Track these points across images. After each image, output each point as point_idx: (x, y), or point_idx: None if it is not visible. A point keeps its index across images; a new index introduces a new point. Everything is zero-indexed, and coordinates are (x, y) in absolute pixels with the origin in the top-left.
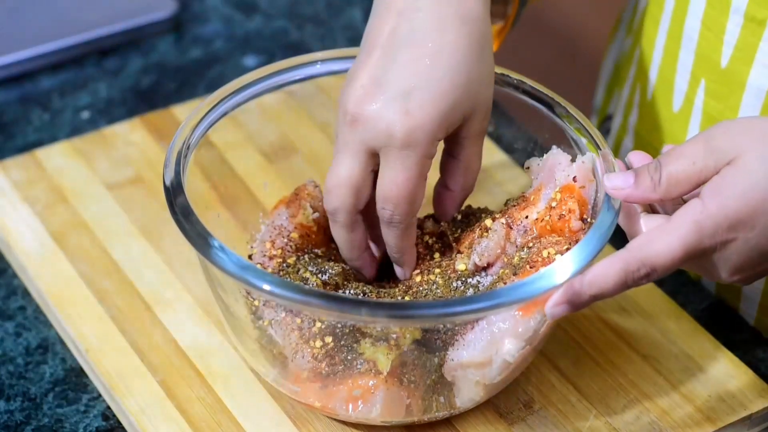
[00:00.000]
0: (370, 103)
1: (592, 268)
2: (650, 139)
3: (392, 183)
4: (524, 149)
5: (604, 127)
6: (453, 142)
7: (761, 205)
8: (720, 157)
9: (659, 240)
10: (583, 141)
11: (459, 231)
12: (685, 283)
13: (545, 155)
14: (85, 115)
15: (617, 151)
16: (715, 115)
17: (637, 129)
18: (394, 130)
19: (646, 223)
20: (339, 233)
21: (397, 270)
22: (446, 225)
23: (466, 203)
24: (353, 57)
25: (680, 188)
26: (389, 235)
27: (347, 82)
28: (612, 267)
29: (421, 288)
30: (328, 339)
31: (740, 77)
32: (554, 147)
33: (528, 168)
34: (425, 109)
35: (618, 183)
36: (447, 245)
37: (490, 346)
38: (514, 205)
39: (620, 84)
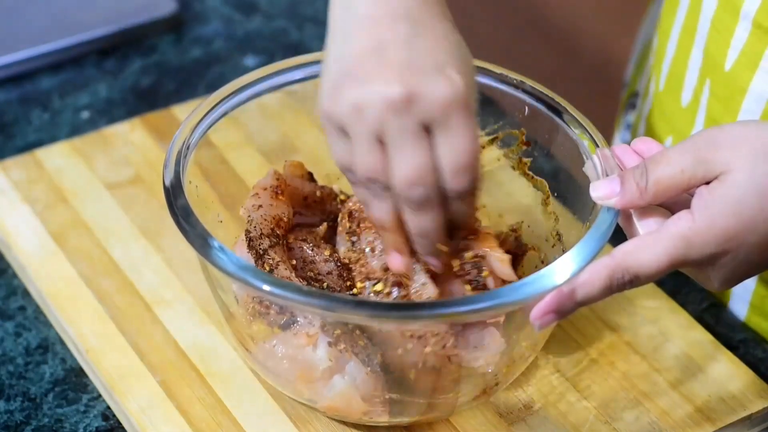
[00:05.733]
0: (417, 80)
1: (580, 275)
2: (658, 130)
3: (462, 150)
4: (524, 149)
5: (631, 102)
6: None
7: (749, 222)
8: (709, 168)
9: (646, 251)
10: (584, 143)
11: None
12: (685, 283)
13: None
14: (85, 115)
15: (636, 131)
16: (716, 116)
17: (648, 117)
18: (451, 96)
19: (641, 225)
20: (431, 219)
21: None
22: None
23: None
24: None
25: (667, 194)
26: (462, 210)
27: (359, 76)
28: (599, 274)
29: None
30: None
31: (742, 82)
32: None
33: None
34: (463, 75)
35: (603, 192)
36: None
37: None
38: None
39: (645, 63)
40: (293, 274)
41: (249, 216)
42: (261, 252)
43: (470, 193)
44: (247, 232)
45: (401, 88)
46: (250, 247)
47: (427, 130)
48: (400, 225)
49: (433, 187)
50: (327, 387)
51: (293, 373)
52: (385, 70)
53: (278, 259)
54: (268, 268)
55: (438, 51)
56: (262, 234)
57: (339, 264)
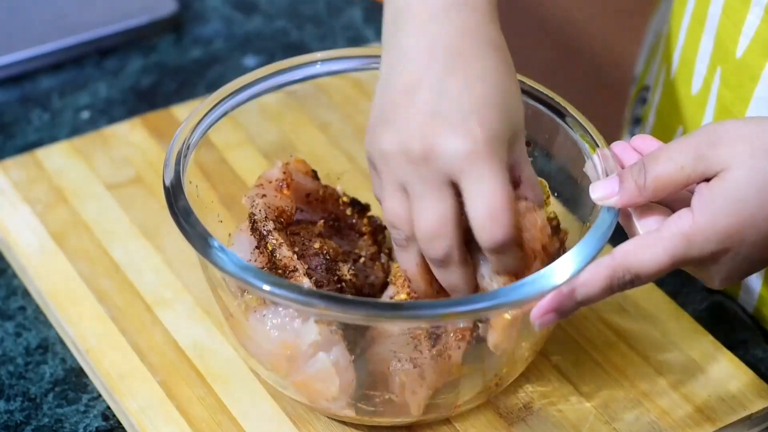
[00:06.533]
0: (437, 134)
1: (580, 274)
2: (669, 120)
3: (491, 200)
4: None
5: (641, 97)
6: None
7: (750, 219)
8: (709, 165)
9: (646, 250)
10: (585, 143)
11: None
12: (685, 283)
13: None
14: (85, 115)
15: (646, 122)
16: (727, 104)
17: (659, 107)
18: (470, 149)
19: (641, 224)
20: (456, 274)
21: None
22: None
23: None
24: (353, 57)
25: (667, 191)
26: (500, 261)
27: (390, 120)
28: (599, 274)
29: None
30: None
31: (754, 69)
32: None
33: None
34: (490, 123)
35: (603, 193)
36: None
37: None
38: None
39: (655, 56)
40: (295, 256)
41: (253, 201)
42: (265, 233)
43: (505, 246)
44: (251, 215)
45: (420, 143)
46: (253, 228)
47: (454, 181)
48: (427, 275)
49: (456, 240)
50: (309, 362)
51: (278, 344)
52: (410, 117)
53: (281, 240)
54: (270, 248)
55: (468, 96)
56: (266, 217)
57: (328, 258)
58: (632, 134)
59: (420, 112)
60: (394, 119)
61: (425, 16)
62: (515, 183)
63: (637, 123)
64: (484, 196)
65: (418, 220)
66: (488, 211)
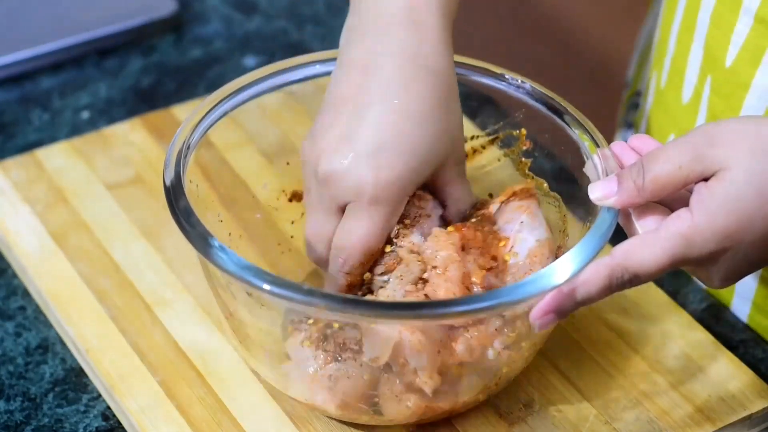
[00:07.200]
0: (340, 161)
1: (580, 274)
2: (660, 126)
3: (350, 233)
4: (524, 150)
5: (633, 102)
6: (436, 189)
7: (748, 219)
8: (707, 165)
9: (646, 250)
10: (585, 143)
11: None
12: (685, 283)
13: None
14: (85, 115)
15: (638, 129)
16: (717, 113)
17: (650, 114)
18: (364, 188)
19: (641, 224)
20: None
21: None
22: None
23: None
24: None
25: (666, 191)
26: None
27: (314, 137)
28: (598, 274)
29: None
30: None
31: (744, 78)
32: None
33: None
34: (395, 166)
35: (602, 193)
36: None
37: None
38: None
39: (646, 61)
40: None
41: None
42: None
43: (341, 273)
44: None
45: (325, 166)
46: None
47: (345, 204)
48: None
49: (325, 253)
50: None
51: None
52: (329, 138)
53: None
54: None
55: (386, 129)
56: None
57: None
58: (625, 139)
59: (336, 135)
60: (318, 135)
61: (374, 30)
62: (443, 203)
63: (630, 128)
64: (349, 230)
65: (306, 224)
66: (345, 243)
